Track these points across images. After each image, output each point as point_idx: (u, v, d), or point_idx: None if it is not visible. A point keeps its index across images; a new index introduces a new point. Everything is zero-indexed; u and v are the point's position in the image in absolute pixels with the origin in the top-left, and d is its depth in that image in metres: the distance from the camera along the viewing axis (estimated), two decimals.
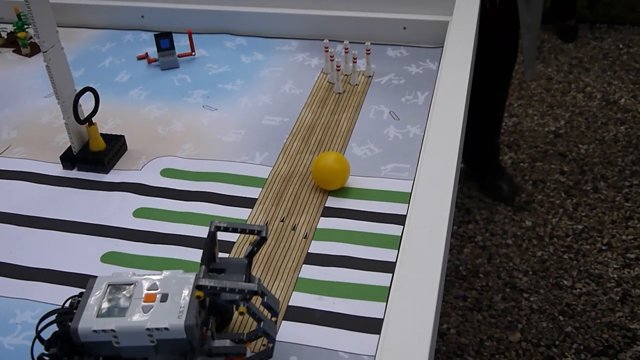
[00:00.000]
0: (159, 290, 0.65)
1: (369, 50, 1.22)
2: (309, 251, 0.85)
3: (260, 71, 1.26)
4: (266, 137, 1.07)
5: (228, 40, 1.38)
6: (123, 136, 1.06)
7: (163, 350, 0.64)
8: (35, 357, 0.65)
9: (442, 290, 0.73)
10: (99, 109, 1.01)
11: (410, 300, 0.69)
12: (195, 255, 0.86)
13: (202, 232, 0.89)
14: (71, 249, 0.88)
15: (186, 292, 0.64)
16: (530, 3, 1.73)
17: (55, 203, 0.96)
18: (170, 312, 0.62)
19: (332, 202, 0.93)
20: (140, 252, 0.87)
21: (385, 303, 0.77)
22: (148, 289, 0.65)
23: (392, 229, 0.88)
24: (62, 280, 0.83)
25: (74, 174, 1.02)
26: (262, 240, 0.68)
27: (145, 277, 0.66)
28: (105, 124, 1.12)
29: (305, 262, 0.84)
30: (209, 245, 0.67)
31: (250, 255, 0.69)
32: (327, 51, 1.23)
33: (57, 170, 1.03)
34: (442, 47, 1.25)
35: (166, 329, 0.61)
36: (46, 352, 0.64)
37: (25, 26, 1.39)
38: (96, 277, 0.67)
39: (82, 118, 1.00)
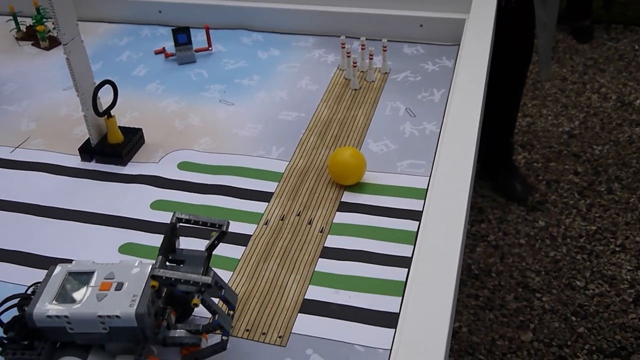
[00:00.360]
0: (115, 279, 0.66)
1: (385, 47, 1.22)
2: (325, 245, 0.86)
3: (276, 67, 1.27)
4: (283, 132, 1.08)
5: (245, 35, 1.38)
6: (141, 129, 1.06)
7: (117, 338, 0.65)
8: None
9: (457, 286, 0.73)
10: (117, 102, 1.02)
11: (427, 294, 0.69)
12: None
13: None
14: (89, 240, 0.89)
15: (141, 282, 0.66)
16: (546, 2, 1.72)
17: (74, 194, 0.97)
18: (122, 301, 0.64)
19: (348, 197, 0.93)
20: (157, 243, 0.87)
21: (401, 297, 0.77)
22: (105, 278, 0.66)
23: (408, 225, 0.88)
24: None
25: (92, 165, 1.03)
26: (222, 235, 0.69)
27: (104, 266, 0.68)
28: (123, 117, 1.13)
29: (321, 256, 0.84)
30: (169, 236, 0.68)
31: (210, 249, 0.70)
32: (343, 48, 1.23)
33: (75, 162, 1.04)
34: (459, 44, 1.25)
35: (117, 316, 0.63)
36: (4, 336, 0.66)
37: (44, 20, 1.40)
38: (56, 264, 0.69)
39: (100, 110, 1.00)
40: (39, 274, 0.83)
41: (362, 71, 1.23)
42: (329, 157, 0.98)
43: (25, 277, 0.84)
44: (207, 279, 0.64)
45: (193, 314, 0.75)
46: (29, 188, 0.99)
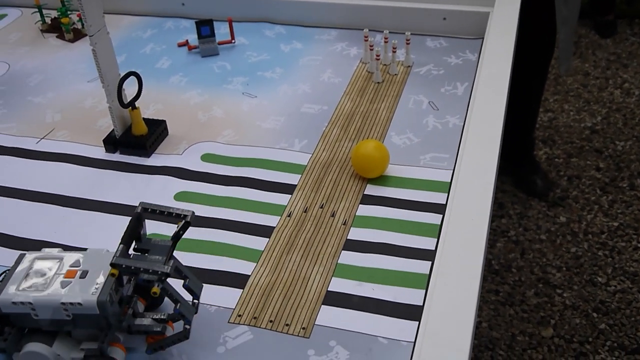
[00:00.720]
0: (80, 267, 0.68)
1: (408, 40, 1.21)
2: (348, 238, 0.86)
3: (299, 60, 1.27)
4: (305, 124, 1.08)
5: (267, 28, 1.38)
6: (164, 121, 1.07)
7: (81, 325, 0.67)
8: None
9: (482, 280, 0.73)
10: (141, 94, 1.03)
11: (452, 288, 0.69)
12: (235, 239, 0.87)
13: (241, 216, 0.90)
14: (114, 231, 0.89)
15: (106, 270, 0.67)
16: None
17: (98, 185, 0.98)
18: (85, 288, 0.65)
19: (371, 189, 0.93)
20: None
21: (424, 290, 0.77)
22: (71, 266, 0.68)
23: (431, 218, 0.88)
24: None
25: (117, 157, 1.03)
26: (187, 225, 0.70)
27: (72, 254, 0.69)
28: (147, 108, 1.13)
29: (344, 249, 0.84)
30: (133, 225, 0.69)
31: (175, 238, 0.71)
32: (366, 40, 1.23)
33: (100, 153, 1.05)
34: (482, 38, 1.24)
35: (79, 304, 0.64)
36: None
37: (69, 12, 1.41)
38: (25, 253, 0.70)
39: (125, 102, 1.01)
40: None
41: (385, 64, 1.23)
42: (352, 150, 0.98)
43: None
44: (165, 268, 0.65)
45: (164, 302, 0.75)
46: (54, 179, 1.00)
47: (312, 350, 0.71)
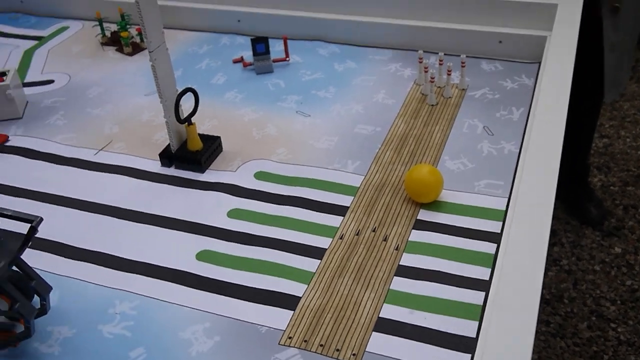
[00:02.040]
0: None
1: (463, 63, 1.20)
2: (400, 263, 0.85)
3: (352, 79, 1.27)
4: (358, 145, 1.07)
5: (321, 47, 1.39)
6: (219, 137, 1.08)
7: None
8: None
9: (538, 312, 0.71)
10: (197, 111, 1.04)
11: (508, 320, 0.67)
12: (287, 259, 0.86)
13: (293, 236, 0.90)
14: (167, 245, 0.91)
15: None
16: (618, 19, 1.66)
17: (153, 199, 0.99)
18: None
19: (425, 215, 0.92)
20: (234, 252, 0.88)
21: (477, 322, 0.75)
22: None
23: (485, 247, 0.86)
24: (159, 275, 0.86)
25: (172, 171, 1.05)
26: (32, 230, 0.71)
27: None
28: (202, 124, 1.15)
29: (396, 274, 0.83)
30: None
31: (24, 243, 0.73)
32: (421, 62, 1.22)
33: (155, 166, 1.06)
34: (539, 62, 1.22)
35: None
36: None
37: (128, 26, 1.44)
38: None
39: (182, 118, 1.02)
40: (118, 276, 0.86)
41: (440, 87, 1.22)
42: (405, 174, 0.97)
43: (106, 278, 0.86)
44: None
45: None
46: (110, 190, 1.02)
47: None
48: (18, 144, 1.14)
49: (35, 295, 0.76)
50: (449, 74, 1.19)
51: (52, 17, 1.60)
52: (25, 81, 1.33)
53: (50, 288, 0.76)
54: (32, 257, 0.89)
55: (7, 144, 1.15)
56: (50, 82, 1.33)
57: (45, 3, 1.61)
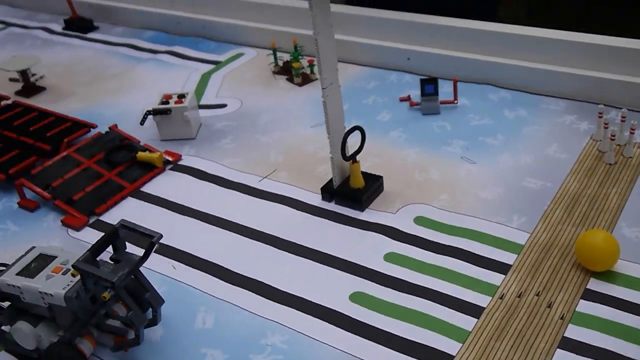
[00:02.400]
0: (67, 265, 0.79)
1: None
2: (564, 335, 0.79)
3: (523, 128, 1.21)
4: (525, 199, 1.02)
5: (491, 91, 1.35)
6: (381, 177, 1.07)
7: (58, 315, 0.78)
8: None
9: None
10: (362, 149, 1.04)
11: None
12: (442, 313, 0.83)
13: (450, 289, 0.87)
14: (322, 281, 0.91)
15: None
16: None
17: (312, 232, 1.00)
18: (61, 283, 0.76)
19: (596, 284, 0.85)
20: (388, 298, 0.87)
21: None
22: (61, 263, 0.79)
23: None
24: (312, 311, 0.86)
25: (332, 206, 1.05)
26: (151, 246, 0.77)
27: (67, 253, 0.81)
28: (365, 161, 1.14)
29: (559, 347, 0.77)
30: (104, 237, 0.77)
31: (144, 256, 0.78)
32: (601, 117, 1.14)
33: (316, 199, 1.07)
34: None
35: (51, 295, 0.75)
36: None
37: (300, 57, 1.48)
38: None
39: (347, 155, 1.03)
40: (272, 307, 0.87)
41: (620, 145, 1.13)
42: (578, 238, 0.90)
43: (261, 307, 0.87)
44: (112, 277, 0.73)
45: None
46: (271, 219, 1.04)
47: None
48: (189, 163, 1.21)
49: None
50: (631, 133, 1.10)
51: (230, 43, 1.69)
52: (201, 103, 1.41)
53: (162, 301, 0.82)
54: (191, 277, 0.93)
55: (180, 162, 1.21)
56: (224, 106, 1.40)
57: (224, 30, 1.70)
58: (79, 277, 0.76)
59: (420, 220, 1.00)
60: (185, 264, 0.97)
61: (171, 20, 1.80)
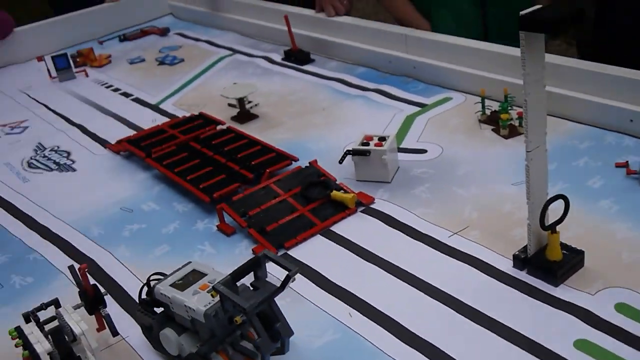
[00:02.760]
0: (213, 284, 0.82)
1: None
2: None
3: None
4: None
5: None
6: (583, 252, 0.98)
7: (199, 329, 0.83)
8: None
9: None
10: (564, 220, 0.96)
11: None
12: None
13: None
14: (501, 358, 0.84)
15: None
16: None
17: (497, 301, 0.94)
18: (204, 301, 0.81)
19: None
20: None
21: None
22: (208, 282, 0.84)
23: None
24: None
25: (523, 275, 0.98)
26: (287, 278, 0.79)
27: (216, 273, 0.86)
28: (565, 230, 1.04)
29: None
30: (246, 265, 0.82)
31: (282, 286, 0.80)
32: None
33: (506, 265, 1.01)
34: None
35: (193, 310, 0.81)
36: (145, 297, 0.90)
37: (510, 108, 1.42)
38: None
39: (546, 224, 0.95)
40: None
41: None
42: None
43: None
44: (244, 304, 0.76)
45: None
46: (455, 280, 0.99)
47: None
48: (381, 207, 1.20)
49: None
50: None
51: (438, 87, 1.66)
52: (401, 146, 1.40)
53: (291, 333, 0.85)
54: (365, 328, 0.92)
55: (372, 206, 1.21)
56: (424, 151, 1.38)
57: (435, 72, 1.68)
58: (218, 297, 0.81)
59: (622, 308, 0.89)
60: (361, 313, 0.96)
61: (383, 57, 1.82)
